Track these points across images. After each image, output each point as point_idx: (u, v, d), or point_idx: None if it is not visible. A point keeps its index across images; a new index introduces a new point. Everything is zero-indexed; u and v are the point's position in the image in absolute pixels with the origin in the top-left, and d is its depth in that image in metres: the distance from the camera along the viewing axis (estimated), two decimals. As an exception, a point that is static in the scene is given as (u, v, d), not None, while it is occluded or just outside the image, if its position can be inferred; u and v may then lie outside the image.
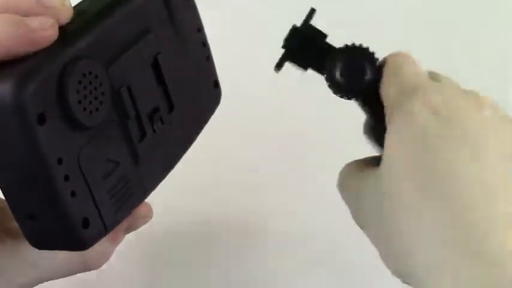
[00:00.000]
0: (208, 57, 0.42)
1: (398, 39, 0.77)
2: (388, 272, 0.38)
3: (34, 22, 0.32)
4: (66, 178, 0.32)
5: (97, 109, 0.34)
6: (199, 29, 0.42)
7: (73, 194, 0.33)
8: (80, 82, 0.33)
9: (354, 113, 0.44)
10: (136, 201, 0.37)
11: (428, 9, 0.78)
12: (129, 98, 0.36)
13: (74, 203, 0.32)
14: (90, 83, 0.33)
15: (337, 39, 0.45)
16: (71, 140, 0.33)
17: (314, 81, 0.44)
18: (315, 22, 0.45)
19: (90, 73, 0.33)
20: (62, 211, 0.32)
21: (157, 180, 0.39)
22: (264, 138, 0.70)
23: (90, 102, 0.34)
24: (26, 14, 0.33)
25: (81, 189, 0.33)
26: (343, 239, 0.68)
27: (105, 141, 0.35)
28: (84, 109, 0.33)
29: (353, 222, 0.40)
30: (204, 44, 0.42)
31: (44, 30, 0.32)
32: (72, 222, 0.33)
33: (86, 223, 0.33)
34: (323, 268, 0.70)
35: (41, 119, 0.31)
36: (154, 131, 0.38)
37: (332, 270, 0.70)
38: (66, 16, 0.34)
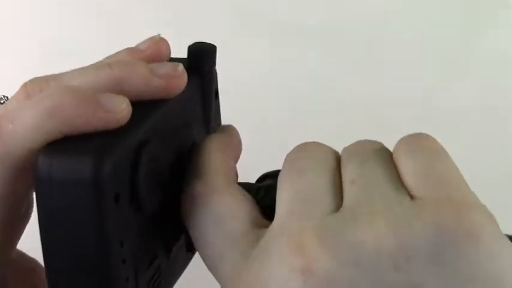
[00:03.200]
0: None
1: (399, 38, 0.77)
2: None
3: (108, 102, 0.31)
4: (124, 262, 0.31)
5: (156, 195, 0.33)
6: (220, 124, 0.42)
7: (127, 279, 0.32)
8: (149, 165, 0.32)
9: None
10: None
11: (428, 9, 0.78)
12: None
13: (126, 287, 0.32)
14: (155, 167, 0.33)
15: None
16: (132, 224, 0.32)
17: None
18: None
19: (156, 157, 0.33)
20: None
21: (178, 276, 0.38)
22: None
23: (153, 187, 0.33)
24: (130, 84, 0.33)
25: (132, 276, 0.32)
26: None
27: (152, 229, 0.34)
28: (148, 193, 0.32)
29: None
30: None
31: (118, 112, 0.31)
32: None
33: None
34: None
35: (116, 199, 0.30)
36: None
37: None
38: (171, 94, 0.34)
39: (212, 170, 0.34)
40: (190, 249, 0.37)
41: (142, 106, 0.33)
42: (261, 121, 0.72)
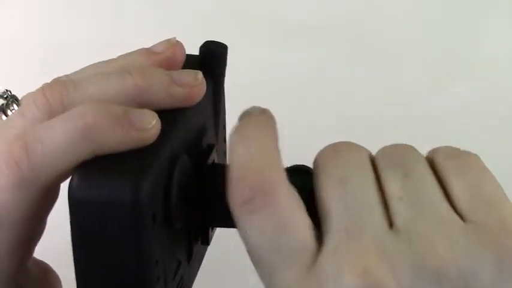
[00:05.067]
0: (225, 154, 0.42)
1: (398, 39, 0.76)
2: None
3: (139, 120, 0.31)
4: (158, 279, 0.31)
5: (186, 208, 0.33)
6: (225, 126, 0.42)
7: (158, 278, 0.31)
8: (179, 180, 0.32)
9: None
10: None
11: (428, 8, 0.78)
12: None
13: None
14: (184, 181, 0.32)
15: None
16: (164, 241, 0.32)
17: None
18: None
19: (185, 171, 0.33)
20: None
21: (196, 274, 0.38)
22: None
23: (183, 200, 0.33)
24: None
25: None
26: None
27: (178, 240, 0.34)
28: (179, 208, 0.32)
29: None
30: (225, 141, 0.43)
31: (149, 130, 0.31)
32: None
33: None
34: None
35: (154, 218, 0.30)
36: None
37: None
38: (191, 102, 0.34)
39: (267, 161, 0.30)
40: (207, 243, 0.37)
41: (164, 116, 0.32)
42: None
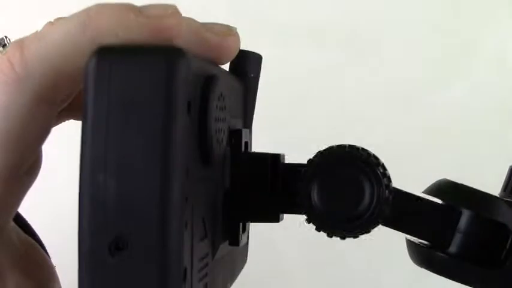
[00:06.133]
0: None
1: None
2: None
3: (150, 7, 0.26)
4: (186, 225, 0.25)
5: (220, 145, 0.28)
6: (250, 131, 0.40)
7: (186, 225, 0.25)
8: (216, 102, 0.27)
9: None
10: None
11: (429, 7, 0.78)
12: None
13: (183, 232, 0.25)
14: (221, 108, 0.28)
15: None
16: (196, 174, 0.26)
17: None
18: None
19: (222, 95, 0.28)
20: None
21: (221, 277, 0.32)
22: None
23: (218, 132, 0.28)
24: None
25: (189, 233, 0.25)
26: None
27: (211, 210, 0.28)
28: (215, 132, 0.27)
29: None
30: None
31: (164, 17, 0.26)
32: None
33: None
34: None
35: (189, 107, 0.25)
36: None
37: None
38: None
39: None
40: (236, 243, 0.31)
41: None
42: (262, 120, 0.72)
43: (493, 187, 0.35)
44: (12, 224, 0.30)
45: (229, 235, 0.31)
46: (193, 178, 0.25)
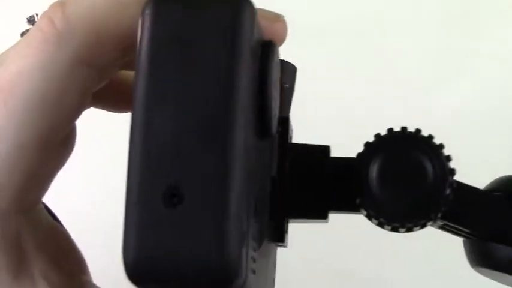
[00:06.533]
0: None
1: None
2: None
3: None
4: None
5: (275, 117, 0.26)
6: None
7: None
8: (275, 69, 0.25)
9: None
10: None
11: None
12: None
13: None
14: (275, 79, 0.26)
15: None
16: (254, 151, 0.24)
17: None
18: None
19: (280, 64, 0.26)
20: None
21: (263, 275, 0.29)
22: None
23: (275, 99, 0.26)
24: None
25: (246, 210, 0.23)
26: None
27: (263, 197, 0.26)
28: (273, 103, 0.25)
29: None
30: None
31: None
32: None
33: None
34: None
35: (254, 56, 0.24)
36: None
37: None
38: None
39: None
40: (281, 239, 0.29)
41: None
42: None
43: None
44: (42, 207, 0.29)
45: (273, 231, 0.28)
46: (249, 143, 0.23)
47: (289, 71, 0.34)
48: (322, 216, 0.29)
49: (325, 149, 0.30)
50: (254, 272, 0.24)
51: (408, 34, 0.75)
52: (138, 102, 0.22)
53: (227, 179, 0.21)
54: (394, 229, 0.28)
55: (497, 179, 0.32)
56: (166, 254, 0.21)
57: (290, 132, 0.30)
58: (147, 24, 0.22)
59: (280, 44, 0.27)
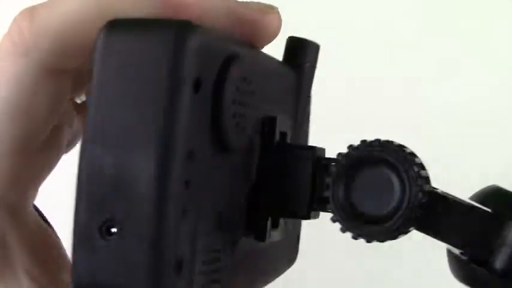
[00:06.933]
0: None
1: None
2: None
3: None
4: (184, 212, 0.23)
5: (243, 132, 0.26)
6: (306, 133, 0.37)
7: (184, 211, 0.23)
8: (237, 84, 0.25)
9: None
10: None
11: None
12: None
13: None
14: (244, 92, 0.26)
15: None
16: (203, 137, 0.24)
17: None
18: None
19: (246, 79, 0.26)
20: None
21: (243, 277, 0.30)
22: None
23: (239, 118, 0.26)
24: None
25: (190, 215, 0.24)
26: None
27: (226, 198, 0.26)
28: (233, 118, 0.25)
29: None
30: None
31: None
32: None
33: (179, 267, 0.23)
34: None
35: (197, 86, 0.23)
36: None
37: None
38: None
39: None
40: (262, 238, 0.29)
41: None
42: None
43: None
44: (32, 209, 0.30)
45: (255, 230, 0.28)
46: (201, 164, 0.23)
47: (310, 48, 0.34)
48: (304, 216, 0.30)
49: (312, 149, 0.30)
50: (216, 280, 0.26)
51: (408, 34, 0.75)
52: (84, 136, 0.23)
53: (158, 213, 0.22)
54: (355, 237, 0.28)
55: (484, 189, 0.30)
56: (102, 283, 0.23)
57: (284, 128, 0.30)
58: (96, 53, 0.23)
59: (273, 37, 0.27)
